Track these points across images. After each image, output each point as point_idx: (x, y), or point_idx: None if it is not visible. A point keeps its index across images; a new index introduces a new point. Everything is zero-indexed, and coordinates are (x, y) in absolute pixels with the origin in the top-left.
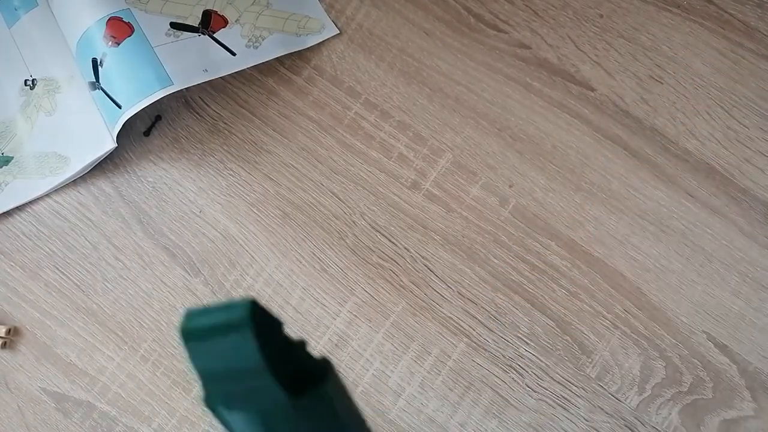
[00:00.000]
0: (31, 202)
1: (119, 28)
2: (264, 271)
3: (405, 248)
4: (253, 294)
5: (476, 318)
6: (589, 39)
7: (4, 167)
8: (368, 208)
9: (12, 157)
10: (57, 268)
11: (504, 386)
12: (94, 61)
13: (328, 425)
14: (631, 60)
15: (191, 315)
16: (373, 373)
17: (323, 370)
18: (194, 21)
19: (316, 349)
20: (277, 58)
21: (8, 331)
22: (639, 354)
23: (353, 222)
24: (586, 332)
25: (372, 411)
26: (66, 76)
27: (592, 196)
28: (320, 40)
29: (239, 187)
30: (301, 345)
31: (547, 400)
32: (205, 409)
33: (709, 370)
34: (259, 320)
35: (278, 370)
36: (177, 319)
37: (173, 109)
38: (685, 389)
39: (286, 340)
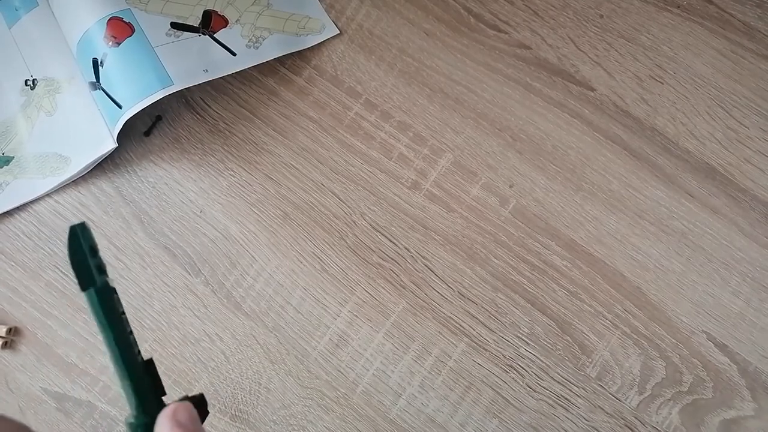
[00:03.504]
0: (31, 202)
1: (120, 28)
2: (264, 271)
3: (405, 248)
4: (253, 294)
5: (476, 318)
6: (589, 39)
7: (4, 167)
8: (369, 208)
9: (12, 157)
10: (58, 268)
11: (504, 386)
12: (95, 61)
13: (98, 319)
14: (631, 60)
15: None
16: (373, 373)
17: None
18: (195, 21)
19: (316, 349)
20: (277, 58)
21: (9, 331)
22: (639, 354)
23: (354, 222)
24: (586, 332)
25: (372, 411)
26: (66, 76)
27: (592, 196)
28: (320, 41)
29: (240, 187)
30: (95, 251)
31: (548, 400)
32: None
33: (709, 370)
34: (80, 237)
35: (81, 269)
36: (178, 319)
37: (174, 109)
38: (685, 389)
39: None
